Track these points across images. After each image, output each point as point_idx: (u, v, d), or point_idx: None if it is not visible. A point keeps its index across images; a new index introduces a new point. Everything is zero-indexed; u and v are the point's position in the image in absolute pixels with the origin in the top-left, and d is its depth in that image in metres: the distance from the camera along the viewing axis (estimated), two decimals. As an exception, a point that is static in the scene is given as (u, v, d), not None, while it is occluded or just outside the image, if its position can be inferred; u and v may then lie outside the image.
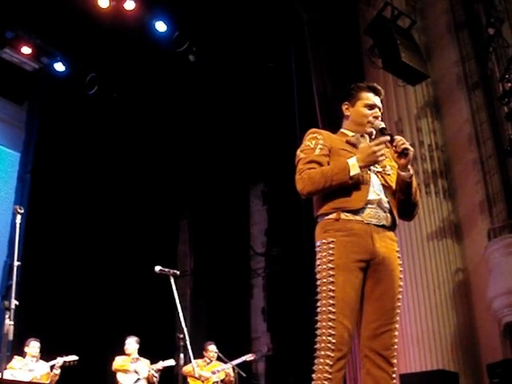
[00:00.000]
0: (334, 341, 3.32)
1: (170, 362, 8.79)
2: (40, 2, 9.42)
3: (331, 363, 3.30)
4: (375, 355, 3.42)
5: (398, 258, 3.61)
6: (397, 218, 3.64)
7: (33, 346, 8.37)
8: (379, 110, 3.75)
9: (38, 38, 10.42)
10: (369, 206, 3.53)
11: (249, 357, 9.02)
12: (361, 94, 3.76)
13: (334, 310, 3.36)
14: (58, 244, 10.26)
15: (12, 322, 4.69)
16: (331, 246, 3.48)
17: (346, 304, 3.38)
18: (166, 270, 6.03)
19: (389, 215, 3.58)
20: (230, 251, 11.33)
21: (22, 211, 5.12)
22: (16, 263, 4.85)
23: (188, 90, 10.72)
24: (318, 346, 3.36)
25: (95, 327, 10.28)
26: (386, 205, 3.58)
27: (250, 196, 12.16)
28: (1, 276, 10.35)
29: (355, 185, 3.51)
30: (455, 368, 7.11)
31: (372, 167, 3.60)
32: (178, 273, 6.15)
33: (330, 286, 3.41)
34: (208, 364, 9.02)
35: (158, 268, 5.97)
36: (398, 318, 3.51)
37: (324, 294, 3.44)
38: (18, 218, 5.10)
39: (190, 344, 6.11)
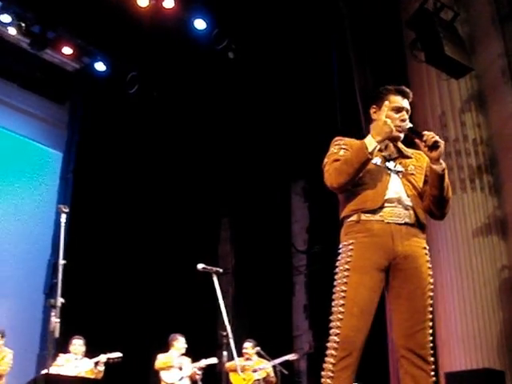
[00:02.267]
0: (338, 340, 3.39)
1: (213, 360, 8.78)
2: (80, 3, 9.49)
3: (334, 362, 3.37)
4: (412, 354, 3.42)
5: (426, 254, 3.62)
6: (422, 215, 3.64)
7: (77, 344, 8.47)
8: (407, 112, 3.74)
9: (78, 38, 10.52)
10: (388, 204, 3.56)
11: (291, 356, 8.96)
12: (388, 96, 3.76)
13: (343, 310, 3.43)
14: (101, 242, 10.34)
15: (58, 320, 4.73)
16: (350, 247, 3.54)
17: (355, 304, 3.41)
18: (209, 267, 6.01)
19: (412, 212, 3.59)
20: (272, 249, 11.28)
21: (67, 210, 5.15)
22: (61, 262, 4.89)
23: (228, 87, 10.70)
24: (327, 344, 3.44)
25: (139, 325, 10.35)
26: (408, 203, 3.60)
27: (290, 193, 12.09)
28: (45, 274, 10.50)
29: (373, 184, 3.59)
30: (501, 367, 6.95)
31: (392, 167, 3.67)
32: (221, 271, 6.13)
33: (343, 287, 3.48)
34: (249, 362, 8.99)
35: (200, 266, 5.96)
36: (430, 316, 3.53)
37: (337, 295, 3.51)
38: (63, 217, 5.13)
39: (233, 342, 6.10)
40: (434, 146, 3.50)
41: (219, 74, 10.53)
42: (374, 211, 3.55)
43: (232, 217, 12.50)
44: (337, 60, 9.05)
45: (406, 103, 3.77)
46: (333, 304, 3.52)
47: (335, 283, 3.55)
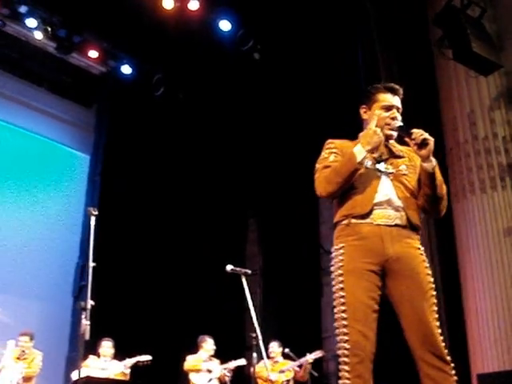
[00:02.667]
0: (348, 346, 3.33)
1: (242, 362, 8.76)
2: (105, 6, 9.53)
3: (349, 369, 3.31)
4: (429, 356, 3.35)
5: (421, 254, 3.56)
6: (414, 217, 3.58)
7: (106, 346, 8.51)
8: (397, 110, 3.70)
9: (104, 42, 10.58)
10: (377, 207, 3.53)
11: (317, 354, 8.88)
12: (377, 95, 3.74)
13: (345, 316, 3.38)
14: (129, 244, 10.37)
15: (88, 322, 4.74)
16: (341, 251, 3.52)
17: (356, 309, 3.37)
18: (238, 269, 5.98)
19: (403, 214, 3.54)
20: (300, 250, 11.24)
21: (96, 213, 5.16)
22: (91, 264, 4.90)
23: (253, 87, 10.67)
24: (338, 352, 3.39)
25: (168, 326, 10.35)
26: (399, 204, 3.55)
27: (318, 194, 12.01)
28: (73, 277, 10.56)
29: (363, 189, 3.55)
30: (535, 368, 6.87)
31: (383, 169, 3.62)
32: (250, 272, 6.10)
33: (341, 292, 3.44)
34: (275, 363, 8.96)
35: (229, 267, 5.93)
36: (436, 315, 3.45)
37: (336, 301, 3.47)
38: (93, 220, 5.14)
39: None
40: (422, 144, 3.44)
41: (245, 74, 10.51)
42: (363, 215, 3.52)
43: (259, 217, 12.46)
44: (363, 59, 8.98)
45: (396, 101, 3.73)
46: (335, 310, 3.48)
47: (333, 289, 3.51)
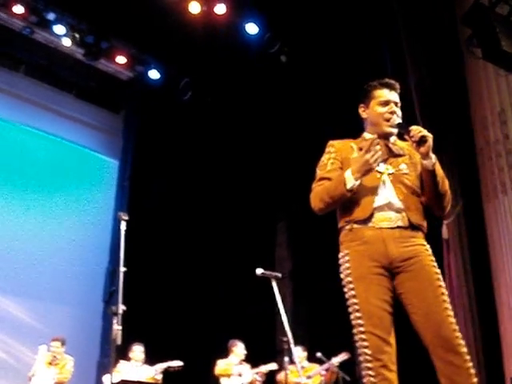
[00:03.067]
0: (369, 352, 3.29)
1: (272, 366, 8.71)
2: (132, 12, 9.57)
3: (374, 374, 3.26)
4: (439, 349, 3.26)
5: (427, 250, 3.50)
6: (415, 217, 3.52)
7: (137, 351, 8.53)
8: (396, 105, 3.65)
9: (132, 47, 10.63)
10: (377, 211, 3.48)
11: (342, 356, 8.79)
12: (374, 92, 3.71)
13: (362, 323, 3.34)
14: (158, 249, 10.39)
15: (120, 327, 4.74)
16: (346, 258, 3.50)
17: (372, 314, 3.34)
18: (268, 272, 5.93)
19: (404, 215, 3.49)
20: (330, 253, 11.14)
21: (127, 218, 5.17)
22: (122, 269, 4.90)
23: (281, 90, 10.63)
24: (360, 358, 3.34)
25: (198, 330, 10.35)
26: (399, 205, 3.49)
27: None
28: (103, 282, 10.60)
29: (363, 193, 3.50)
30: None
31: (384, 170, 3.57)
32: (280, 275, 6.04)
33: (354, 299, 3.41)
34: (301, 368, 8.88)
35: (259, 271, 5.87)
36: (448, 307, 3.37)
37: (351, 308, 3.43)
38: (123, 225, 5.15)
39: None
40: (421, 141, 3.39)
41: (272, 77, 10.48)
42: (364, 220, 3.48)
43: (289, 221, 12.41)
44: (391, 59, 8.90)
45: (392, 96, 3.69)
46: (351, 317, 3.44)
47: (346, 296, 3.48)
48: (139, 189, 10.91)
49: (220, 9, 9.69)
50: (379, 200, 3.50)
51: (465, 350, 3.28)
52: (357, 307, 3.38)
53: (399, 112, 3.64)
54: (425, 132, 3.39)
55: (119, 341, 4.76)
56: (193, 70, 10.92)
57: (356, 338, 3.37)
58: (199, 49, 10.18)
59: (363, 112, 3.78)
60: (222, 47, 10.11)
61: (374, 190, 3.52)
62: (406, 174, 3.59)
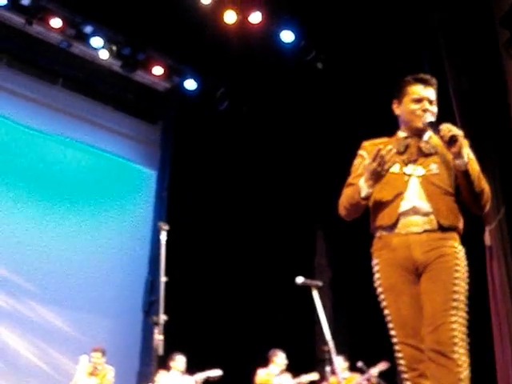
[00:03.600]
0: (404, 363, 3.29)
1: (314, 376, 8.63)
2: (168, 23, 9.62)
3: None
4: (433, 353, 3.19)
5: (455, 252, 3.39)
6: (444, 219, 3.40)
7: (178, 361, 8.53)
8: (430, 102, 3.55)
9: (168, 58, 10.69)
10: (403, 216, 3.43)
11: (381, 366, 8.68)
12: (408, 88, 3.61)
13: (395, 334, 3.35)
14: (197, 259, 10.38)
15: (162, 337, 4.74)
16: (376, 268, 3.51)
17: (404, 324, 3.32)
18: (309, 281, 5.87)
19: (432, 218, 3.39)
20: (369, 262, 11.05)
21: (167, 228, 5.17)
22: (163, 279, 4.90)
23: (318, 97, 10.59)
24: (399, 368, 3.36)
25: (238, 339, 10.30)
26: (427, 209, 3.40)
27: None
28: (142, 292, 10.63)
29: (390, 197, 3.46)
30: None
31: (412, 171, 3.48)
32: (321, 284, 5.98)
33: (386, 311, 3.42)
34: (343, 379, 8.78)
35: (300, 280, 5.80)
36: (453, 311, 3.23)
37: (386, 319, 3.43)
38: (163, 235, 5.15)
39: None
40: (451, 141, 3.28)
41: (309, 85, 10.44)
42: (391, 226, 3.44)
43: (327, 229, 12.34)
44: (429, 65, 8.76)
45: (427, 92, 3.57)
46: (388, 325, 3.43)
47: (381, 306, 3.47)
48: (177, 199, 10.92)
49: (255, 17, 9.69)
50: (405, 205, 3.43)
51: (459, 355, 3.18)
52: (389, 318, 3.39)
53: (434, 109, 3.55)
54: (455, 131, 3.29)
55: (161, 351, 4.75)
56: (229, 79, 10.93)
57: (394, 347, 3.37)
58: (235, 58, 10.18)
59: (396, 108, 3.69)
60: (257, 56, 10.08)
61: (400, 195, 3.45)
62: (436, 174, 3.47)
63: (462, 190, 3.45)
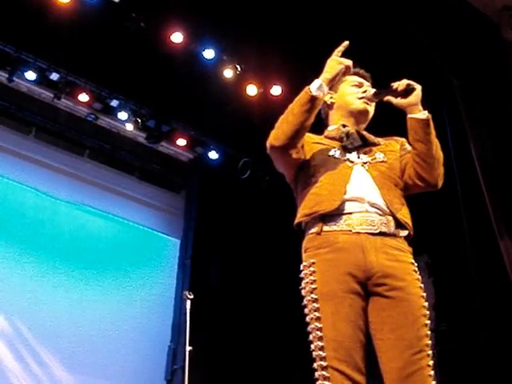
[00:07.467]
0: None
1: None
2: (192, 96, 9.90)
3: None
4: None
5: (415, 272, 2.87)
6: (404, 219, 2.97)
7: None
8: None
9: (192, 130, 10.93)
10: (356, 209, 2.90)
11: None
12: (344, 78, 3.31)
13: (324, 355, 2.65)
14: (221, 327, 10.34)
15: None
16: (312, 269, 2.88)
17: (339, 344, 2.64)
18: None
19: (389, 218, 2.92)
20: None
21: (192, 297, 5.25)
22: (188, 348, 4.97)
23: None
24: None
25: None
26: (383, 205, 2.93)
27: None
28: (165, 361, 10.59)
29: (330, 182, 2.98)
30: None
31: (355, 158, 3.10)
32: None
33: (317, 323, 2.75)
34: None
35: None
36: (429, 352, 2.69)
37: (312, 334, 2.77)
38: (188, 304, 5.23)
39: None
40: (408, 91, 2.97)
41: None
42: (336, 219, 2.88)
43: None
44: (451, 130, 8.64)
45: (366, 83, 3.36)
46: (311, 347, 2.76)
47: (306, 319, 2.83)
48: (201, 267, 10.97)
49: (276, 90, 9.96)
50: (352, 190, 2.96)
51: None
52: (320, 334, 2.72)
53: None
54: (409, 81, 3.02)
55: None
56: (251, 149, 11.11)
57: (316, 374, 2.72)
58: (256, 129, 10.36)
59: (331, 98, 3.35)
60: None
61: (343, 179, 2.99)
62: (384, 161, 3.12)
63: (414, 153, 3.06)
